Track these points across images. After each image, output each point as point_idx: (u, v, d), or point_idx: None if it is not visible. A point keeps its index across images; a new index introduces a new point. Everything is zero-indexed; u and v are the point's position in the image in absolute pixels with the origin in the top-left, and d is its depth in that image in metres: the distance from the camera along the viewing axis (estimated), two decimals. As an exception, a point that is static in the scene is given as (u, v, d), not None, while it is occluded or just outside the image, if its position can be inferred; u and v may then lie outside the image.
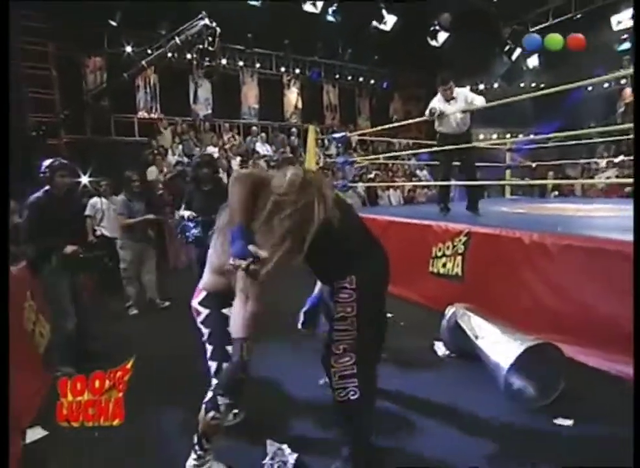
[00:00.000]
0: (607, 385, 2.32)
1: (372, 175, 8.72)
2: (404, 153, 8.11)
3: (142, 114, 9.17)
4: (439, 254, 3.78)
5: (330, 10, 8.85)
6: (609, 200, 6.58)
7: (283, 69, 10.64)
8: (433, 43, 9.67)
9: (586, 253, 2.67)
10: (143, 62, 7.19)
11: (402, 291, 4.10)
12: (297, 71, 10.84)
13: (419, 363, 2.74)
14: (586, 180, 8.17)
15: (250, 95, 10.39)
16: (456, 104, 4.37)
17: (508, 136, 10.52)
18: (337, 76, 11.41)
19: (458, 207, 4.91)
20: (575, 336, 2.56)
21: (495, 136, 11.06)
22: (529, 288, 2.99)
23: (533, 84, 10.51)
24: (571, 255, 2.75)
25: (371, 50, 10.76)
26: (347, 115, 11.77)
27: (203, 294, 1.72)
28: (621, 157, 7.35)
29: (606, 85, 9.58)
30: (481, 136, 10.51)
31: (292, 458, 1.73)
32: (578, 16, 8.89)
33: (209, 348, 1.72)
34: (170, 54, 7.85)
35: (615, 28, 8.81)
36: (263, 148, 9.00)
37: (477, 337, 2.40)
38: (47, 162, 2.89)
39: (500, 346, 2.22)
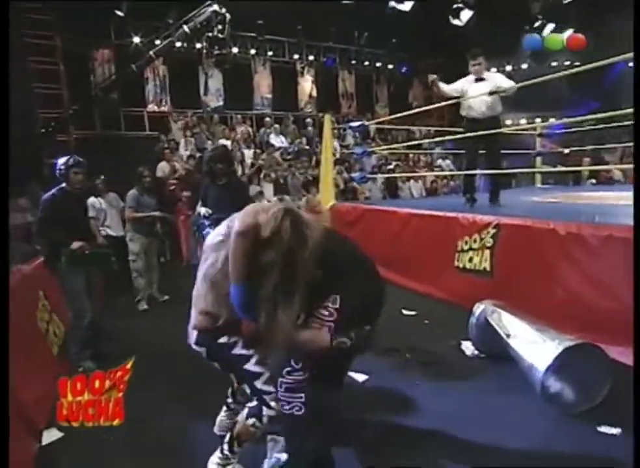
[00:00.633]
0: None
1: (392, 166, 8.60)
2: (425, 141, 7.96)
3: (152, 107, 9.27)
4: (465, 248, 3.69)
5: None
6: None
7: (296, 56, 10.59)
8: (456, 22, 9.38)
9: (630, 244, 2.55)
10: (151, 53, 7.23)
11: (426, 287, 4.06)
12: (311, 57, 10.77)
13: (446, 364, 2.68)
14: (625, 165, 7.85)
15: (263, 84, 10.37)
16: (485, 85, 4.22)
17: (538, 120, 10.20)
18: (353, 62, 11.28)
19: (485, 197, 4.79)
20: (617, 335, 2.44)
21: (523, 121, 10.75)
22: (565, 284, 2.87)
23: (567, 62, 10.15)
24: (612, 247, 2.63)
25: (389, 33, 10.57)
26: (364, 103, 11.64)
27: (195, 333, 1.64)
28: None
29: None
30: (508, 122, 10.23)
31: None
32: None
33: (234, 375, 1.77)
34: (178, 44, 7.88)
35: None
36: (277, 140, 8.97)
37: (509, 336, 2.32)
38: (62, 160, 3.04)
39: (535, 346, 2.13)
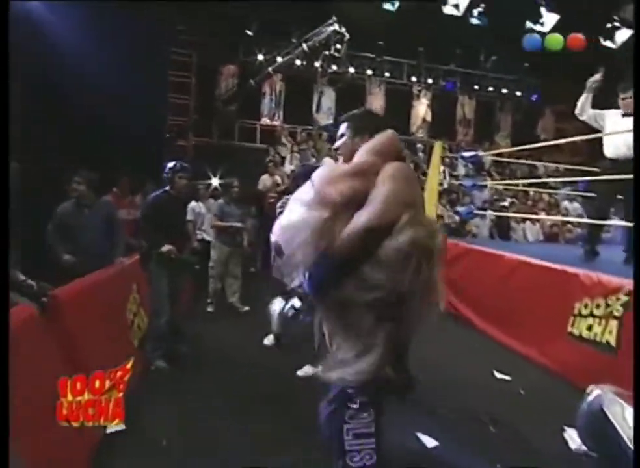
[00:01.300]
0: None
1: (506, 203, 7.97)
2: (551, 179, 7.24)
3: (265, 120, 9.95)
4: (584, 312, 3.19)
5: (475, 12, 8.48)
6: None
7: (414, 78, 10.56)
8: (607, 44, 8.46)
9: None
10: (269, 69, 7.81)
11: (527, 350, 3.63)
12: (429, 80, 10.64)
13: (540, 452, 2.28)
14: None
15: (376, 105, 10.50)
16: (631, 122, 3.71)
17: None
18: (476, 87, 10.88)
19: (612, 253, 4.16)
20: None
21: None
22: None
23: None
24: None
25: (521, 56, 10.01)
26: (483, 131, 11.14)
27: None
28: None
29: None
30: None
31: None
32: None
33: None
34: (298, 62, 8.39)
35: None
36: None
37: (632, 441, 1.89)
38: (170, 164, 3.36)
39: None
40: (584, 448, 2.29)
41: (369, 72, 10.25)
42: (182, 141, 8.51)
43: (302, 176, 3.44)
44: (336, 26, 6.84)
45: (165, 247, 3.16)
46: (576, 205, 8.57)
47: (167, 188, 3.32)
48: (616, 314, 2.94)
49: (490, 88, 10.96)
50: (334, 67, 9.65)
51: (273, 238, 1.44)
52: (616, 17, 8.14)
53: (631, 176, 3.45)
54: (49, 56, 5.74)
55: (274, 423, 2.37)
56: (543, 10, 8.26)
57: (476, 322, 4.40)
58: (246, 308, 4.71)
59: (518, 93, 11.14)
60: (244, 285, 4.87)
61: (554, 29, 8.30)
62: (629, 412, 2.04)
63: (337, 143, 1.69)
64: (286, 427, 2.30)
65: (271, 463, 1.98)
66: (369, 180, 1.36)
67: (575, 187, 8.12)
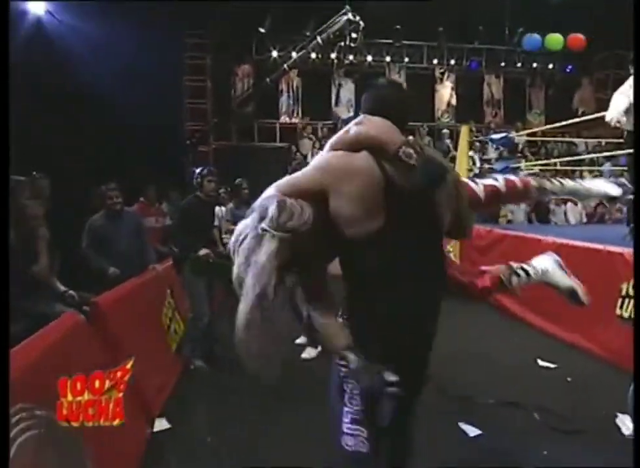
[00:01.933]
0: None
1: (543, 185, 7.78)
2: (592, 155, 7.02)
3: (284, 118, 10.08)
4: (632, 293, 3.13)
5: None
6: None
7: (435, 61, 10.43)
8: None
9: None
10: (285, 65, 7.91)
11: (572, 336, 3.61)
12: (452, 62, 10.49)
13: (592, 438, 2.28)
14: None
15: (397, 93, 10.45)
16: None
17: None
18: (503, 64, 10.64)
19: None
20: None
21: None
22: None
23: None
24: None
25: (551, 25, 9.66)
26: (514, 110, 10.85)
27: None
28: None
29: None
30: None
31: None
32: None
33: None
34: (313, 55, 8.46)
35: None
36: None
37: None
38: (198, 169, 3.59)
39: None
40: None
41: (387, 59, 10.19)
42: (203, 146, 8.76)
43: None
44: (350, 15, 6.85)
45: (202, 251, 3.33)
46: (623, 180, 8.26)
47: (197, 193, 3.52)
48: (665, 292, 2.88)
49: (519, 64, 10.68)
50: (351, 57, 9.66)
51: None
52: None
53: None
54: (64, 66, 6.07)
55: (309, 421, 2.42)
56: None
57: (516, 311, 4.38)
58: None
59: (550, 66, 10.81)
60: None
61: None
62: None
63: None
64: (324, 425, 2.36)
65: (308, 462, 2.02)
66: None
67: (619, 162, 7.84)
